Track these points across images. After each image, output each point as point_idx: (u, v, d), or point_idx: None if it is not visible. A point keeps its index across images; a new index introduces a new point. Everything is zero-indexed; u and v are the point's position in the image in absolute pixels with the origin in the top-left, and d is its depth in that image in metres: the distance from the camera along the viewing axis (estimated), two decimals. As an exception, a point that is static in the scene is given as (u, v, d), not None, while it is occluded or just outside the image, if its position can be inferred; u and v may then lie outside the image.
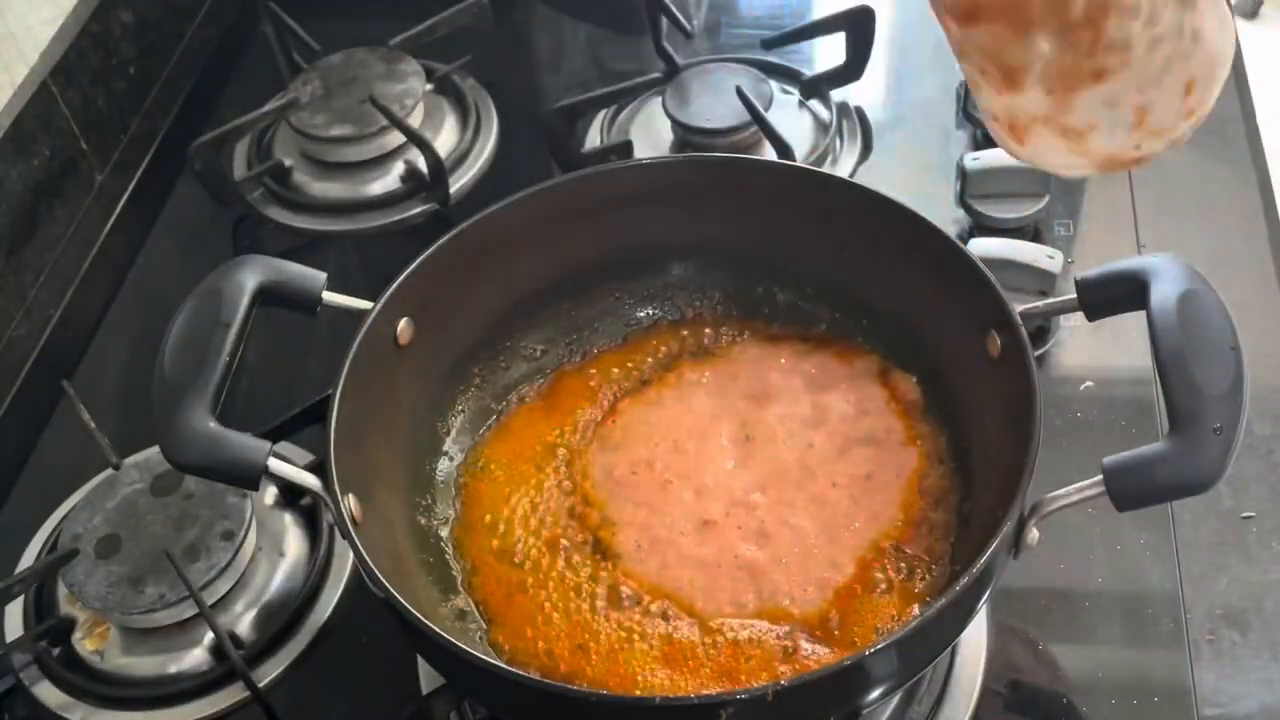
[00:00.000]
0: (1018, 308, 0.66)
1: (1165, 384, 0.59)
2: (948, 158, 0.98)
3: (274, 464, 0.63)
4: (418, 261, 0.73)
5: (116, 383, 0.95)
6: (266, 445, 0.63)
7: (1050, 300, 0.69)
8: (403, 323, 0.74)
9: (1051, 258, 0.84)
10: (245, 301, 0.68)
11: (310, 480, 0.64)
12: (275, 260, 0.71)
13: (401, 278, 0.73)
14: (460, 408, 0.79)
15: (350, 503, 0.65)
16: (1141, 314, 0.63)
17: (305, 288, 0.71)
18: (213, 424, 0.63)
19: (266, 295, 0.70)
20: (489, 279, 0.78)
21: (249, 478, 0.63)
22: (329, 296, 0.71)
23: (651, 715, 0.57)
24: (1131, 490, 0.58)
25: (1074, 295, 0.66)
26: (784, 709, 0.54)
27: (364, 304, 0.71)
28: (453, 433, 0.78)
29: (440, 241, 0.74)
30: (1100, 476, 0.58)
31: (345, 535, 0.62)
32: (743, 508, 0.72)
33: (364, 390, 0.69)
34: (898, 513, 0.71)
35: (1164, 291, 0.61)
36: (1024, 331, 0.65)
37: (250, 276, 0.69)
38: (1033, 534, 0.60)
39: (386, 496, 0.72)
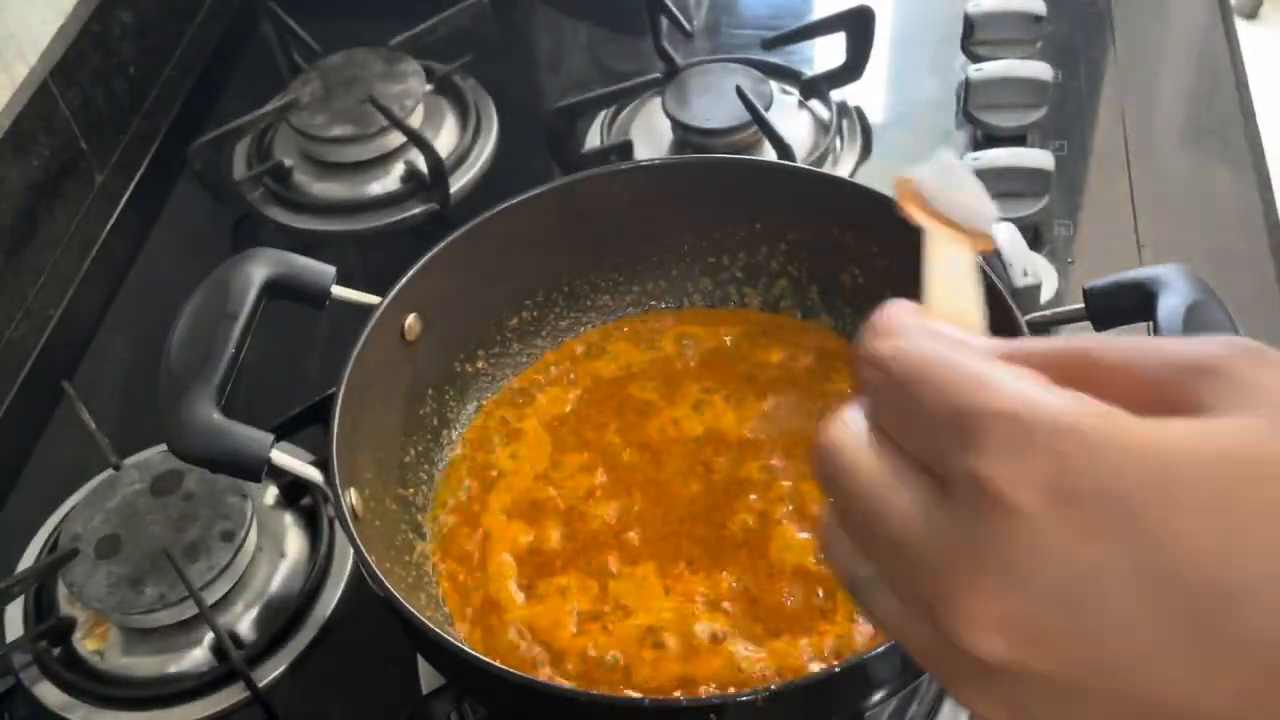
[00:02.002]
0: (1024, 316, 0.66)
1: None
2: (948, 158, 0.98)
3: (276, 456, 0.63)
4: (427, 257, 0.73)
5: (117, 383, 0.95)
6: (270, 437, 0.64)
7: (1058, 310, 0.69)
8: (410, 318, 0.74)
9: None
10: (253, 294, 0.68)
11: (312, 473, 0.64)
12: (284, 253, 0.71)
13: (411, 272, 0.73)
14: (465, 405, 0.79)
15: (351, 496, 0.65)
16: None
17: (314, 281, 0.71)
18: (217, 415, 0.63)
19: (275, 288, 0.70)
20: (495, 277, 0.79)
21: (252, 469, 0.63)
22: (338, 291, 0.71)
23: (642, 716, 0.57)
24: None
25: (1081, 305, 0.66)
26: (775, 713, 0.54)
27: (372, 299, 0.71)
28: (457, 430, 0.79)
29: (450, 238, 0.74)
30: None
31: (345, 529, 0.62)
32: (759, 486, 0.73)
33: (369, 384, 0.70)
34: None
35: (1171, 303, 0.61)
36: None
37: (259, 269, 0.69)
38: None
39: (388, 494, 0.72)
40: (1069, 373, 0.27)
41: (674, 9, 1.06)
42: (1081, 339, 0.28)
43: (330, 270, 0.71)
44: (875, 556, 0.28)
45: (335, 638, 0.76)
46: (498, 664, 0.60)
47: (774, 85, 1.02)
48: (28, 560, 0.81)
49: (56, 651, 0.76)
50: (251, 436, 0.63)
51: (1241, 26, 1.08)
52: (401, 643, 0.65)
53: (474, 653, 0.58)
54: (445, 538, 0.74)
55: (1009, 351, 0.28)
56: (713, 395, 0.79)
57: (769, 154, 0.97)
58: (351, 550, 0.75)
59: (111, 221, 1.05)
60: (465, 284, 0.77)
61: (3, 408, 0.92)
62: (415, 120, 1.05)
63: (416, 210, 1.02)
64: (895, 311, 0.30)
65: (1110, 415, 0.25)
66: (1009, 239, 0.85)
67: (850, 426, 0.29)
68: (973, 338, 0.29)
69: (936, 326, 0.29)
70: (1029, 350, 0.28)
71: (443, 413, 0.78)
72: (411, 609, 0.58)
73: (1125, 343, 0.27)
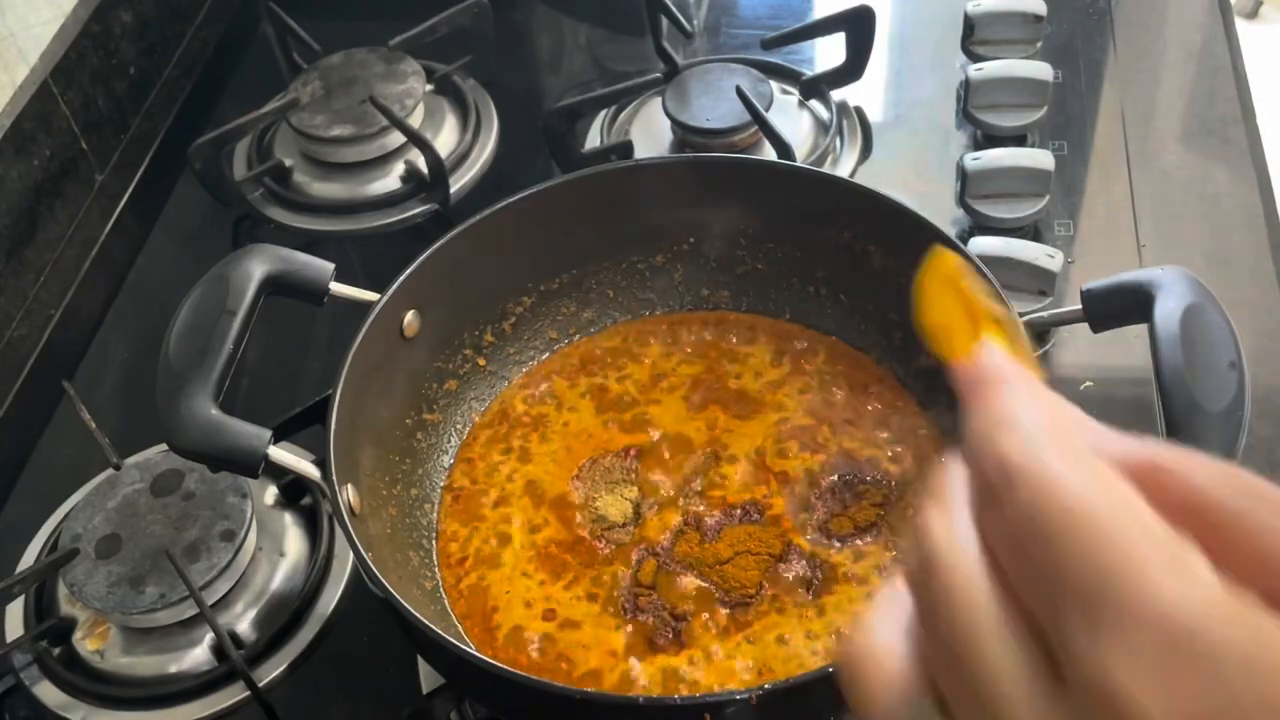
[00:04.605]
0: (1022, 316, 0.66)
1: (1165, 400, 0.59)
2: (948, 158, 0.98)
3: (274, 452, 0.63)
4: (426, 254, 0.74)
5: (117, 383, 0.95)
6: (267, 433, 0.64)
7: (1056, 311, 0.68)
8: (409, 315, 0.74)
9: (1051, 256, 0.84)
10: (252, 290, 0.68)
11: (309, 469, 0.64)
12: (284, 250, 0.72)
13: (410, 270, 0.73)
14: (464, 403, 0.79)
15: (349, 493, 0.65)
16: (1142, 314, 0.62)
17: (313, 277, 0.71)
18: (215, 410, 0.64)
19: (274, 284, 0.70)
20: (493, 276, 0.79)
21: (250, 464, 0.63)
22: (336, 287, 0.71)
23: (637, 714, 0.58)
24: None
25: (1079, 306, 0.66)
26: (769, 712, 0.54)
27: (371, 295, 0.71)
28: (456, 429, 0.79)
29: (451, 234, 0.75)
30: None
31: (342, 526, 0.62)
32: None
33: (368, 380, 0.70)
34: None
35: (1168, 306, 0.61)
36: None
37: (258, 265, 0.70)
38: None
39: (387, 491, 0.72)
40: (1175, 501, 0.24)
41: (674, 9, 1.06)
42: (1200, 469, 0.26)
43: (329, 266, 0.71)
44: (955, 705, 0.25)
45: (335, 638, 0.76)
46: (498, 664, 0.60)
47: (774, 85, 1.02)
48: (28, 560, 0.81)
49: (57, 651, 0.76)
50: (249, 432, 0.63)
51: (1241, 26, 1.08)
52: (401, 643, 0.66)
53: (474, 653, 0.58)
54: (445, 536, 0.74)
55: (1137, 466, 0.25)
56: (708, 400, 0.79)
57: (769, 154, 0.97)
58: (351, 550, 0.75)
59: (112, 222, 1.05)
60: (465, 281, 0.77)
61: (3, 407, 0.92)
62: (415, 120, 1.05)
63: (416, 210, 1.02)
64: (1011, 393, 0.26)
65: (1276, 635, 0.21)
66: (1006, 246, 0.85)
67: (960, 541, 0.25)
68: (1092, 432, 0.27)
69: (1057, 417, 0.26)
70: (1145, 463, 0.26)
71: (442, 410, 0.78)
72: (410, 608, 0.58)
73: (1242, 491, 0.25)
